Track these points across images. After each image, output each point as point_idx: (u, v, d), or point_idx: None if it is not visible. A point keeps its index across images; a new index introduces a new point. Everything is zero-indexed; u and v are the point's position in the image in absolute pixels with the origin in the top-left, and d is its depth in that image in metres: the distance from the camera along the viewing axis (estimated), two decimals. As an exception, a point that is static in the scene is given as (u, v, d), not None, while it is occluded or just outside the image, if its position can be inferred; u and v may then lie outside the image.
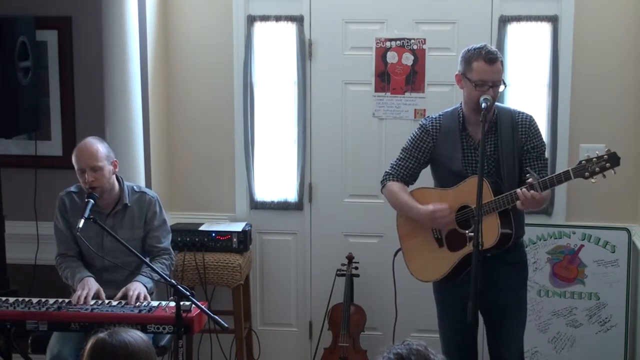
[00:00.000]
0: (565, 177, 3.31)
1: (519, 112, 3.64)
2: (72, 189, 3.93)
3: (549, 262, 4.57)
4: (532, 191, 3.30)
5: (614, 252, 4.51)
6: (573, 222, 4.60)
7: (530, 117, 3.64)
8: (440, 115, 3.69)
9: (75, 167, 3.77)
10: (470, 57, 3.52)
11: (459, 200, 3.56)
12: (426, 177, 3.80)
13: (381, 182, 3.79)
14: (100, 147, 3.79)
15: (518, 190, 3.34)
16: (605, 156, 3.26)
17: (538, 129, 3.63)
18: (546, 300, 4.57)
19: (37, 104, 4.40)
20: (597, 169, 3.25)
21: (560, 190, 4.58)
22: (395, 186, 3.70)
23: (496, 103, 3.63)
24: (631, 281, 4.50)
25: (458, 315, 3.50)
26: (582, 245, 4.54)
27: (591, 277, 4.54)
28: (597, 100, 4.56)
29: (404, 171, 3.71)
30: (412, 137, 3.71)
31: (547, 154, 4.48)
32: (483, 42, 4.42)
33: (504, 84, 3.53)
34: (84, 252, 3.90)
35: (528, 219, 4.53)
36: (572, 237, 4.55)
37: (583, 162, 3.28)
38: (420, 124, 3.72)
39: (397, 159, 3.74)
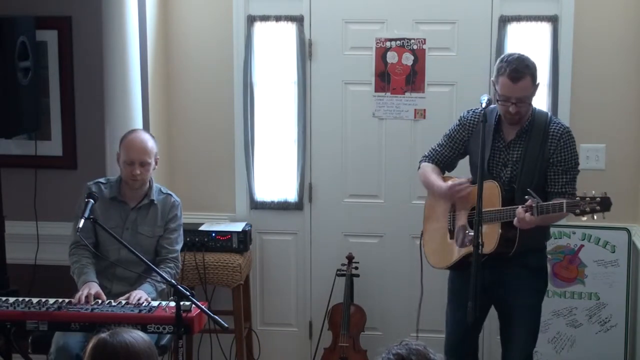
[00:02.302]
0: (558, 208, 3.32)
1: (555, 122, 3.60)
2: (102, 180, 3.97)
3: (549, 262, 4.56)
4: (527, 213, 3.32)
5: (614, 252, 4.50)
6: (573, 222, 4.58)
7: (565, 129, 3.57)
8: (481, 110, 3.65)
9: (123, 157, 3.83)
10: (498, 70, 3.50)
11: (473, 201, 3.55)
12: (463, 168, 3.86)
13: (419, 161, 3.87)
14: (152, 143, 3.89)
15: (519, 208, 3.35)
16: (598, 199, 3.28)
17: (571, 142, 3.56)
18: (546, 300, 4.52)
19: (37, 104, 4.39)
20: (587, 209, 3.28)
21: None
22: (428, 166, 3.80)
23: (535, 107, 3.60)
24: (631, 281, 4.49)
25: (464, 304, 3.51)
26: (582, 245, 4.54)
27: (591, 277, 4.54)
28: (597, 100, 4.56)
29: (439, 157, 3.79)
30: (451, 127, 3.79)
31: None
32: (484, 43, 4.46)
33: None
34: (101, 243, 3.89)
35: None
36: (572, 237, 4.55)
37: (578, 198, 3.30)
38: (460, 116, 3.77)
39: (436, 144, 3.82)
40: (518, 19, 4.53)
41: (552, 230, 4.53)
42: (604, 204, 3.27)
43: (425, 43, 4.64)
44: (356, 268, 4.67)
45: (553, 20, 4.51)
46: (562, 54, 4.51)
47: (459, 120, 3.75)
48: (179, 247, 4.01)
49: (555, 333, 4.57)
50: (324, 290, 4.76)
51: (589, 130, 4.57)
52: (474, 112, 3.70)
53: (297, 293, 4.95)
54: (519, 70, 3.43)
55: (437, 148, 3.80)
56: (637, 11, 4.47)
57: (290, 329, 4.99)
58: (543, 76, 4.57)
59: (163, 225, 3.95)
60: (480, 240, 3.29)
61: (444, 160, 3.78)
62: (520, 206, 3.36)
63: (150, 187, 3.94)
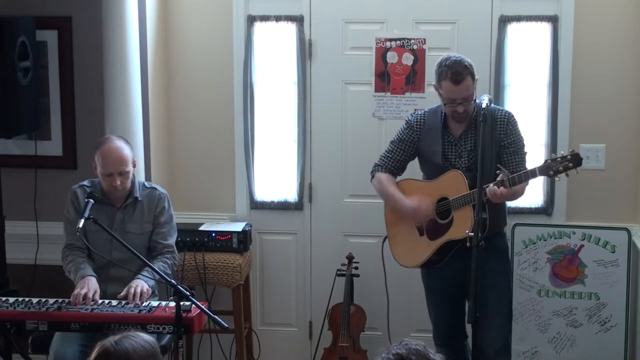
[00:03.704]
0: (531, 174, 3.54)
1: (499, 109, 3.82)
2: (86, 183, 3.95)
3: (549, 262, 4.57)
4: (501, 188, 3.50)
5: (614, 252, 4.50)
6: (573, 222, 4.60)
7: (509, 113, 3.80)
8: (425, 112, 3.94)
9: (102, 170, 3.78)
10: (439, 75, 3.71)
11: (439, 192, 3.78)
12: (414, 169, 4.02)
13: (370, 172, 4.04)
14: (128, 151, 3.83)
15: (490, 186, 3.53)
16: (568, 156, 3.45)
17: (516, 125, 3.78)
18: (546, 300, 4.57)
19: (37, 104, 4.40)
20: (560, 168, 3.46)
21: (560, 190, 4.58)
22: (383, 177, 3.96)
23: (477, 100, 3.76)
24: (631, 281, 4.49)
25: (443, 298, 3.85)
26: (582, 245, 4.53)
27: (591, 277, 4.53)
28: (597, 100, 4.56)
29: (392, 163, 3.96)
30: (398, 132, 3.96)
31: (544, 152, 4.53)
32: (484, 43, 4.48)
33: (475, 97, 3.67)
34: (92, 247, 3.88)
35: (528, 219, 4.57)
36: (572, 237, 4.55)
37: (549, 161, 3.48)
38: (406, 120, 3.97)
39: (386, 151, 3.99)
40: (518, 19, 4.53)
41: (552, 230, 4.55)
42: (575, 160, 3.45)
43: (425, 43, 4.65)
44: (356, 268, 4.67)
45: (553, 20, 4.51)
46: (562, 54, 4.51)
47: (406, 124, 3.93)
48: (172, 239, 3.99)
49: (555, 333, 4.57)
50: (324, 290, 4.76)
51: (589, 130, 4.58)
52: (417, 114, 3.94)
53: (297, 293, 4.95)
54: (460, 72, 3.64)
55: (388, 154, 3.97)
56: (637, 11, 4.47)
57: (290, 329, 4.99)
58: (543, 76, 4.58)
59: (151, 220, 3.93)
60: (477, 242, 3.32)
61: (396, 165, 3.95)
62: (491, 183, 3.52)
63: (133, 185, 3.90)
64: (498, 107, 3.85)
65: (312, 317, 4.93)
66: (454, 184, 3.70)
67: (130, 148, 3.88)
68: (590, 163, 4.55)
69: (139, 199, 3.92)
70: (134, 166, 3.89)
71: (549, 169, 3.47)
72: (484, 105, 3.53)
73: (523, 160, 3.77)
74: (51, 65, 4.60)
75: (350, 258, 4.69)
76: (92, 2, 4.34)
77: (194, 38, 4.81)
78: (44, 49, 4.56)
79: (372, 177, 4.01)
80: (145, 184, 4.00)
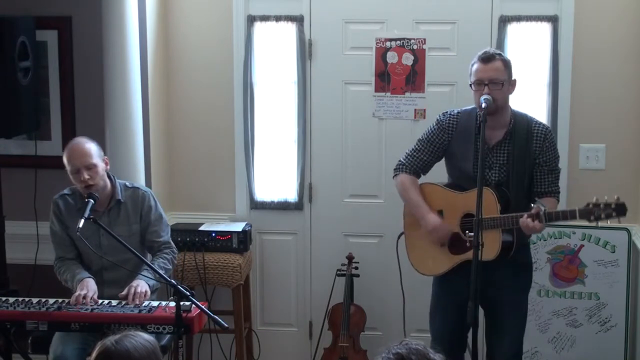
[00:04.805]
0: (570, 215, 3.37)
1: (537, 123, 3.62)
2: (66, 191, 3.92)
3: (549, 262, 4.57)
4: (535, 221, 3.35)
5: (614, 252, 4.50)
6: (573, 222, 4.58)
7: (547, 129, 3.62)
8: (458, 112, 3.69)
9: (69, 168, 3.76)
10: (472, 64, 3.57)
11: (466, 207, 3.56)
12: (437, 171, 3.84)
13: (394, 169, 3.81)
14: (91, 145, 3.78)
15: (523, 217, 3.37)
16: (613, 205, 3.30)
17: (553, 142, 3.62)
18: (546, 300, 4.57)
19: (37, 104, 4.40)
20: (603, 215, 3.31)
21: (560, 191, 4.57)
22: (407, 180, 3.73)
23: (514, 109, 3.63)
24: (631, 281, 4.49)
25: (452, 313, 3.63)
26: (582, 245, 4.54)
27: (591, 277, 4.54)
28: (597, 100, 4.56)
29: (417, 162, 3.74)
30: (428, 131, 3.73)
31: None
32: (484, 43, 4.47)
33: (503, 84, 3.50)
34: (83, 253, 3.90)
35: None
36: (572, 237, 4.55)
37: (591, 205, 3.32)
38: (437, 119, 3.72)
39: (412, 149, 3.76)
40: (518, 19, 4.53)
41: (552, 230, 4.55)
42: (620, 210, 3.31)
43: (425, 43, 4.65)
44: (356, 268, 4.67)
45: (553, 20, 4.52)
46: (562, 54, 4.51)
47: (436, 124, 3.70)
48: (167, 235, 3.98)
49: (555, 333, 4.57)
50: (324, 290, 4.76)
51: (589, 130, 4.58)
52: (450, 114, 3.69)
53: (297, 293, 4.95)
54: (489, 53, 3.52)
55: (415, 153, 3.74)
56: (637, 11, 4.47)
57: (290, 329, 5.00)
58: (543, 76, 4.58)
59: (138, 220, 3.90)
60: (480, 241, 3.27)
61: (421, 165, 3.73)
62: (525, 214, 3.37)
63: (114, 187, 3.87)
64: (536, 120, 3.64)
65: (312, 317, 4.93)
66: (485, 203, 3.35)
67: (97, 145, 3.82)
68: (590, 163, 4.56)
69: (122, 200, 3.88)
70: (106, 164, 3.83)
71: (590, 214, 3.32)
72: (483, 106, 3.47)
73: (557, 180, 3.63)
74: (51, 65, 4.60)
75: (350, 258, 4.70)
76: (92, 2, 4.34)
77: (194, 38, 4.81)
78: (44, 49, 4.56)
79: (395, 175, 3.79)
80: (127, 184, 3.95)
